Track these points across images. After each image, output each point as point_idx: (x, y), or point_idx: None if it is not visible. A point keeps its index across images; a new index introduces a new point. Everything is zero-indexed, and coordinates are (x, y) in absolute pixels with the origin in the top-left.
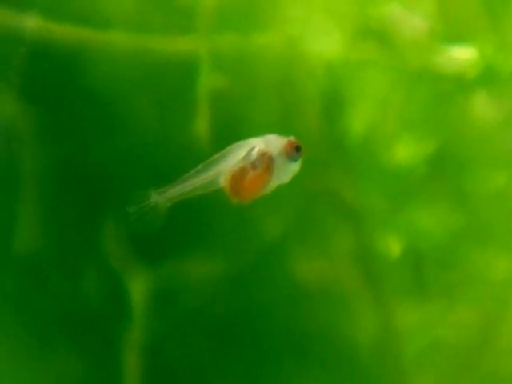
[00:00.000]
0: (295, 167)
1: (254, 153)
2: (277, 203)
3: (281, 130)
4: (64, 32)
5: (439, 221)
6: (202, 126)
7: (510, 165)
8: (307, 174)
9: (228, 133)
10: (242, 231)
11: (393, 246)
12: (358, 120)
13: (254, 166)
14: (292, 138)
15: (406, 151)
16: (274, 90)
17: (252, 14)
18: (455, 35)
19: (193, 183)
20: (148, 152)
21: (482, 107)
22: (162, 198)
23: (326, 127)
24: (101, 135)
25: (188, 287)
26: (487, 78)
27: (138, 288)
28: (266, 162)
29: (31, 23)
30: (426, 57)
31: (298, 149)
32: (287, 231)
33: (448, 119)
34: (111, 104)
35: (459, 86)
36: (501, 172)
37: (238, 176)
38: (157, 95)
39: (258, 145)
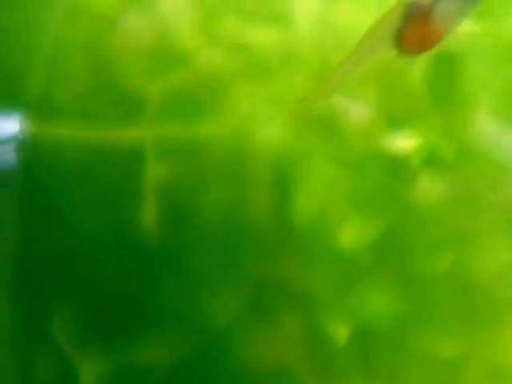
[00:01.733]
0: (467, 4)
1: (409, 7)
2: (226, 289)
3: (230, 218)
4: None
5: (386, 304)
6: (148, 217)
7: (456, 246)
8: (256, 260)
9: (177, 224)
10: (192, 317)
11: (340, 330)
12: (307, 205)
13: (408, 20)
14: None
15: (353, 235)
16: (222, 179)
17: (199, 103)
18: (399, 120)
19: (362, 50)
20: (92, 244)
21: (428, 190)
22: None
23: (275, 213)
24: (44, 229)
25: (138, 372)
26: (432, 161)
27: (89, 374)
28: (419, 14)
29: None
30: (371, 142)
31: None
32: (237, 317)
33: (394, 202)
34: (56, 194)
35: (404, 169)
36: (447, 253)
37: (398, 34)
38: (102, 186)
39: None
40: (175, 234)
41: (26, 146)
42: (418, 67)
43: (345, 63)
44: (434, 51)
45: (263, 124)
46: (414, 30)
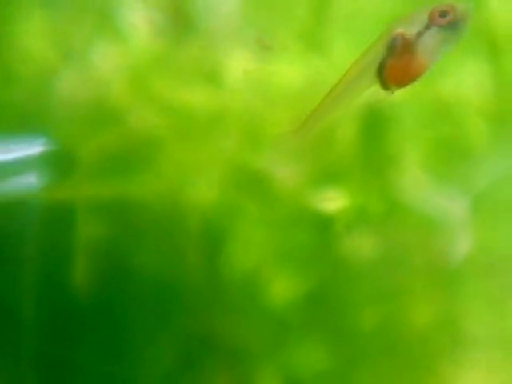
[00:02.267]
0: (453, 33)
1: (391, 39)
2: (157, 347)
3: (162, 276)
4: None
5: (316, 359)
6: (79, 276)
7: (386, 302)
8: (188, 317)
9: (109, 283)
10: (123, 375)
11: None
12: (238, 262)
13: (391, 53)
14: (436, 6)
15: (283, 291)
16: (154, 237)
17: (131, 163)
18: (330, 178)
19: (345, 86)
20: (22, 303)
21: (358, 247)
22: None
23: (206, 271)
24: None
25: None
26: (362, 218)
27: None
28: (401, 46)
29: None
30: (301, 200)
31: (443, 14)
32: (167, 374)
33: (324, 259)
34: None
35: (334, 227)
36: (376, 309)
37: (381, 67)
38: (34, 245)
39: (401, 27)
40: (107, 292)
41: None
42: (349, 126)
43: (329, 97)
44: (364, 109)
45: (195, 183)
46: (397, 63)
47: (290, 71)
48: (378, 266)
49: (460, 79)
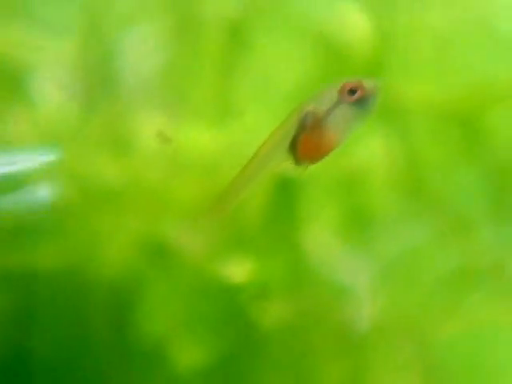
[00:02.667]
0: (362, 110)
1: (302, 116)
2: None
3: (68, 350)
4: None
5: None
6: None
7: (294, 368)
8: None
9: (15, 352)
10: None
11: None
12: (145, 331)
13: (302, 129)
14: (345, 83)
15: (192, 360)
16: (61, 307)
17: (39, 231)
18: (236, 247)
19: (258, 163)
20: None
21: (266, 314)
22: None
23: (114, 341)
24: None
25: None
26: (269, 285)
27: None
28: (312, 123)
29: None
30: (208, 268)
31: (352, 91)
32: None
33: (233, 327)
34: None
35: (242, 295)
36: (285, 376)
37: (293, 143)
38: None
39: (311, 104)
40: (13, 362)
41: None
42: (258, 192)
43: (242, 174)
44: (273, 178)
45: (103, 253)
46: (308, 139)
47: (203, 139)
48: (287, 332)
49: (371, 150)
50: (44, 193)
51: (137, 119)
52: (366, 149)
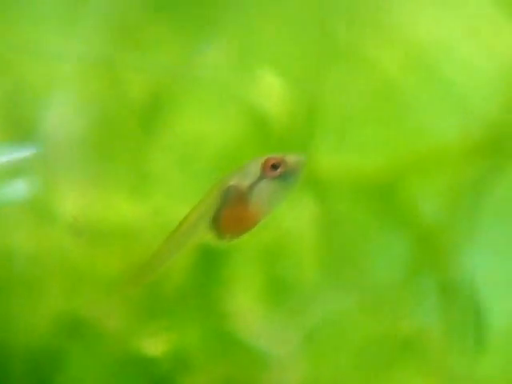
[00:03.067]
0: (285, 185)
1: (225, 190)
2: None
3: None
4: None
5: None
6: None
7: None
8: None
9: None
10: None
11: None
12: None
13: (225, 204)
14: (268, 157)
15: None
16: None
17: None
18: (153, 321)
19: (180, 236)
20: None
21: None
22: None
23: None
24: None
25: None
26: (192, 355)
27: None
28: (235, 197)
29: None
30: (128, 342)
31: (275, 166)
32: None
33: None
34: None
35: (160, 369)
36: None
37: (215, 218)
38: None
39: (234, 179)
40: None
41: None
42: (181, 261)
43: (164, 246)
44: (195, 246)
45: (21, 327)
46: (231, 213)
47: (124, 208)
48: None
49: (294, 219)
50: None
51: (58, 188)
52: (290, 217)
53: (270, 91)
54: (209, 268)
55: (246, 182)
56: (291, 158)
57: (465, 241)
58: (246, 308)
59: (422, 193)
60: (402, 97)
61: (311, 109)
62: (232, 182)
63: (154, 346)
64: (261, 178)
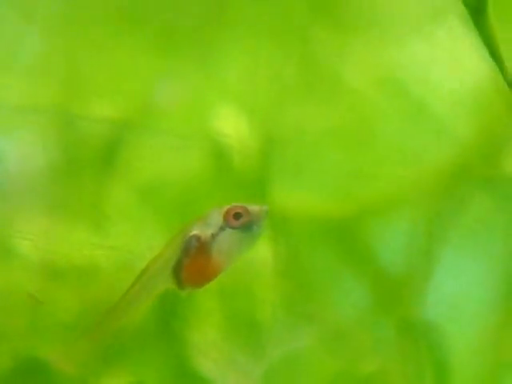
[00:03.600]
0: (250, 235)
1: (186, 240)
2: None
3: None
4: None
5: None
6: None
7: None
8: None
9: None
10: None
11: None
12: None
13: (187, 254)
14: (230, 207)
15: None
16: None
17: None
18: (113, 358)
19: (141, 287)
20: None
21: None
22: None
23: None
24: None
25: None
26: None
27: None
28: (197, 248)
29: None
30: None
31: (237, 216)
32: None
33: None
34: None
35: None
36: None
37: (176, 268)
38: None
39: (196, 228)
40: None
41: None
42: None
43: (125, 296)
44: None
45: None
46: (193, 264)
47: (83, 245)
48: None
49: (256, 255)
50: None
51: (18, 223)
52: (250, 254)
53: (231, 127)
54: (168, 306)
55: (208, 232)
56: (254, 208)
57: (424, 279)
58: (205, 346)
59: (381, 230)
60: (361, 134)
61: (271, 145)
62: (194, 232)
63: None
64: (223, 227)
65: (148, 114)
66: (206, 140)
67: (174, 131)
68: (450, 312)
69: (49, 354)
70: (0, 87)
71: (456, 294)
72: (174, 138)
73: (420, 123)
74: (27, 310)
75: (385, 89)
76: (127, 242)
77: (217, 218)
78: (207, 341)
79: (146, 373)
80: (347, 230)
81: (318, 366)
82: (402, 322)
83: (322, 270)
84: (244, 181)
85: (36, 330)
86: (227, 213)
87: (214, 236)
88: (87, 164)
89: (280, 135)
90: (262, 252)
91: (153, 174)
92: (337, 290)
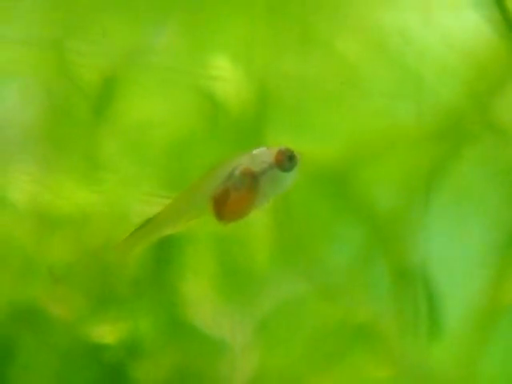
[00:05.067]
0: (290, 177)
1: (237, 172)
2: None
3: None
4: None
5: None
6: None
7: None
8: None
9: None
10: None
11: None
12: None
13: (236, 186)
14: (283, 148)
15: None
16: None
17: None
18: (104, 306)
19: (175, 210)
20: None
21: (140, 372)
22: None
23: None
24: None
25: None
26: (141, 346)
27: None
28: (248, 182)
29: None
30: (77, 328)
31: (290, 158)
32: None
33: None
34: None
35: (114, 355)
36: None
37: (221, 198)
38: None
39: (243, 163)
40: None
41: None
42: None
43: (158, 217)
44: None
45: None
46: (240, 197)
47: (75, 194)
48: None
49: None
50: None
51: (10, 174)
52: None
53: (223, 76)
54: (162, 256)
55: (256, 168)
56: (298, 153)
57: (418, 226)
58: (199, 296)
59: (376, 178)
60: (360, 82)
61: (264, 94)
62: (243, 167)
63: (106, 333)
64: (271, 166)
65: (139, 63)
66: (198, 90)
67: (166, 81)
68: (445, 259)
69: (41, 302)
70: None
71: (452, 241)
72: (166, 88)
73: (405, 86)
74: (20, 258)
75: (371, 52)
76: (120, 192)
77: (266, 156)
78: (201, 291)
79: (139, 321)
80: (343, 177)
81: (312, 316)
82: (397, 270)
83: (316, 219)
84: (238, 129)
85: (30, 276)
86: (279, 153)
87: (262, 173)
88: (78, 114)
89: (274, 85)
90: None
91: (145, 123)
92: (331, 238)
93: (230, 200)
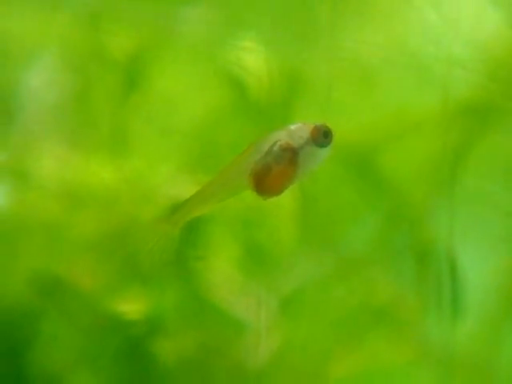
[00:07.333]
0: (325, 153)
1: (277, 147)
2: None
3: None
4: None
5: None
6: None
7: None
8: None
9: None
10: None
11: None
12: (41, 366)
13: (276, 161)
14: (318, 124)
15: None
16: None
17: None
18: (132, 280)
19: (216, 186)
20: None
21: (163, 348)
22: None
23: (7, 373)
24: None
25: None
26: (164, 323)
27: None
28: (289, 156)
29: None
30: (102, 303)
31: (326, 134)
32: None
33: (129, 362)
34: None
35: (139, 328)
36: None
37: (262, 173)
38: None
39: (282, 138)
40: None
41: None
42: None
43: (201, 193)
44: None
45: None
46: (281, 171)
47: (103, 172)
48: (186, 367)
49: None
50: None
51: (37, 151)
52: None
53: (253, 57)
54: (186, 235)
55: (294, 143)
56: (332, 130)
57: (443, 206)
58: (222, 275)
59: (401, 159)
60: (386, 66)
61: (292, 77)
62: (283, 141)
63: (130, 309)
64: (309, 142)
65: (170, 39)
66: (227, 68)
67: (196, 58)
68: (469, 239)
69: (67, 274)
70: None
71: (476, 221)
72: (196, 65)
73: (429, 70)
74: (46, 233)
75: (395, 41)
76: (146, 168)
77: (303, 132)
78: (223, 271)
79: (163, 298)
80: (367, 159)
81: (334, 297)
82: (421, 250)
83: (341, 200)
84: (262, 111)
85: (53, 250)
86: (316, 129)
87: (300, 148)
88: (107, 89)
89: (301, 69)
90: None
91: (173, 101)
92: (355, 220)
93: (272, 174)
